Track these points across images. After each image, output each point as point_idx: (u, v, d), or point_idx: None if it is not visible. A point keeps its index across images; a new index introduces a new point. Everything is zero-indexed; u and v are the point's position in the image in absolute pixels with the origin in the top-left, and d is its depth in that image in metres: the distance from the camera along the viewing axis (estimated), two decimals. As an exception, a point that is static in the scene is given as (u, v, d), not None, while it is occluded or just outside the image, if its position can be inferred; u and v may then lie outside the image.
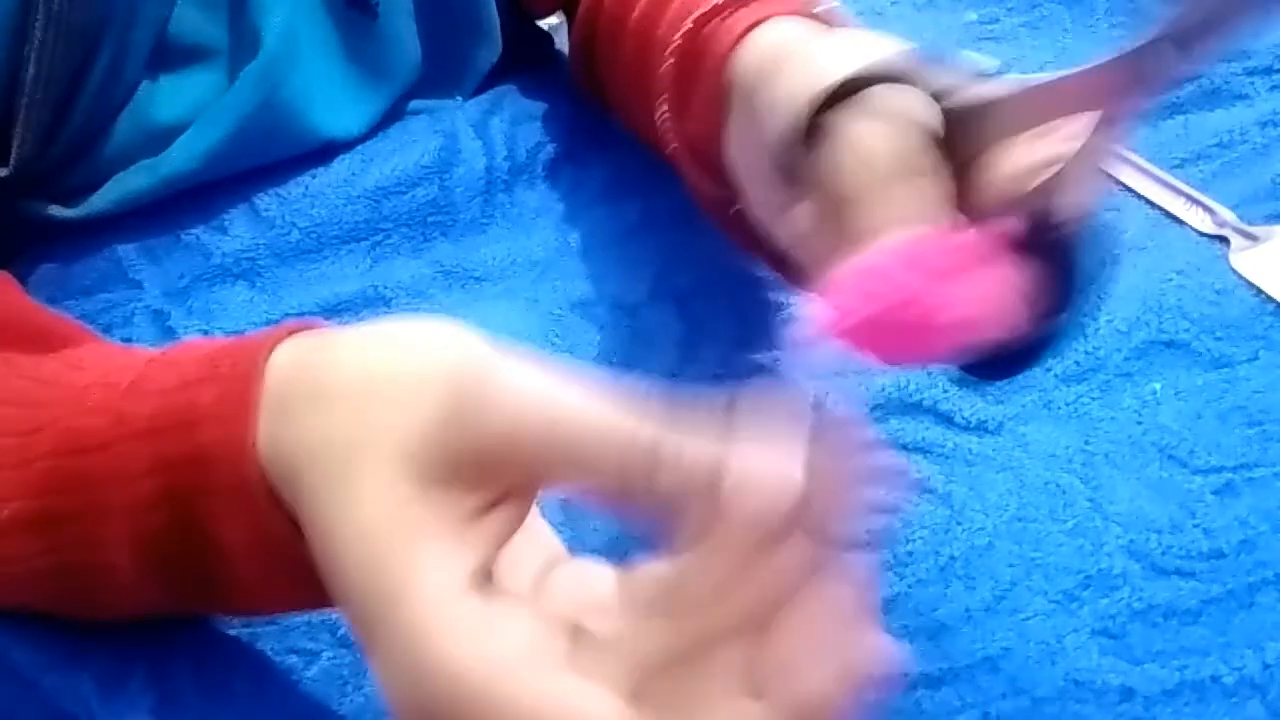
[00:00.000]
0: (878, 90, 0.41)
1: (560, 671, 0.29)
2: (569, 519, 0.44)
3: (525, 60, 0.67)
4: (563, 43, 0.70)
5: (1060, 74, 0.38)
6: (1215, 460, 0.49)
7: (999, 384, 0.51)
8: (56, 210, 0.55)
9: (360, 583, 0.31)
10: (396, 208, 0.59)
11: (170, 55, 0.55)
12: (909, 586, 0.45)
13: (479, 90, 0.65)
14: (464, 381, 0.32)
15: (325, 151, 0.59)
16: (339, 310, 0.55)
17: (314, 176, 0.59)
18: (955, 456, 0.49)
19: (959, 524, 0.47)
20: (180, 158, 0.55)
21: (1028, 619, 0.44)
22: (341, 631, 0.44)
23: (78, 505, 0.38)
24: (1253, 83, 0.64)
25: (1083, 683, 0.42)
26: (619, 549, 0.43)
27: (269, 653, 0.44)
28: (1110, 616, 0.44)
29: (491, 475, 0.31)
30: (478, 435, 0.31)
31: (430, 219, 0.59)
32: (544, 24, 0.72)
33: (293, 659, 0.44)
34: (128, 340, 0.53)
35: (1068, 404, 0.51)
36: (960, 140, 0.40)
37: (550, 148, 0.62)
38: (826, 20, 0.49)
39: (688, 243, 0.58)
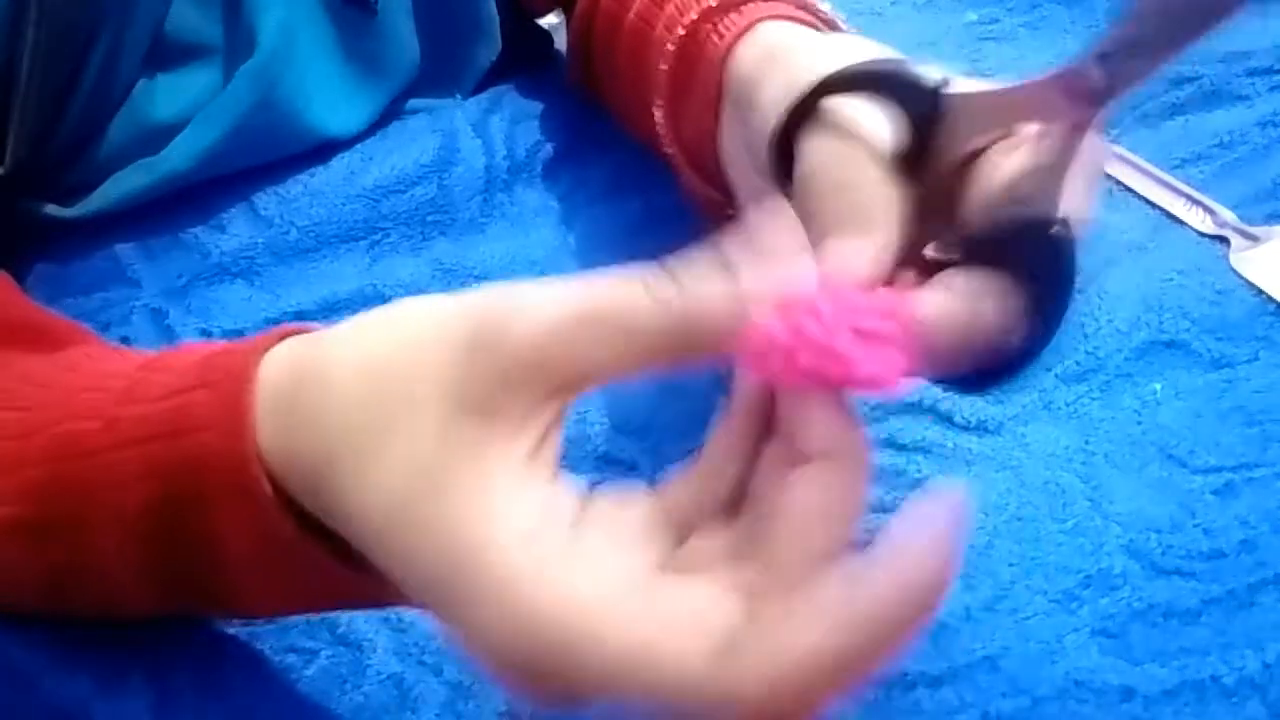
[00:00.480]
0: (832, 103, 0.41)
1: (663, 588, 0.29)
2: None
3: (524, 59, 0.67)
4: (562, 42, 0.70)
5: (1015, 81, 0.38)
6: (1215, 460, 0.49)
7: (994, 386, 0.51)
8: (54, 210, 0.55)
9: (431, 544, 0.30)
10: (395, 206, 0.59)
11: (167, 53, 0.55)
12: (909, 586, 0.45)
13: (478, 89, 0.65)
14: (474, 311, 0.32)
15: (324, 150, 0.59)
16: (338, 309, 0.55)
17: (313, 175, 0.58)
18: (955, 456, 0.49)
19: (959, 524, 0.47)
20: (178, 156, 0.55)
21: (1027, 618, 0.44)
22: (340, 630, 0.44)
23: (72, 511, 0.38)
24: (1253, 83, 0.64)
25: (1083, 682, 0.42)
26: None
27: (267, 652, 0.44)
28: (1110, 616, 0.44)
29: (531, 390, 0.31)
30: (506, 350, 0.31)
31: (429, 218, 0.59)
32: (543, 23, 0.72)
33: (291, 658, 0.44)
34: (126, 339, 0.53)
35: (1068, 404, 0.51)
36: (928, 146, 0.40)
37: (550, 147, 0.62)
38: (818, 20, 0.49)
39: (688, 242, 0.58)
